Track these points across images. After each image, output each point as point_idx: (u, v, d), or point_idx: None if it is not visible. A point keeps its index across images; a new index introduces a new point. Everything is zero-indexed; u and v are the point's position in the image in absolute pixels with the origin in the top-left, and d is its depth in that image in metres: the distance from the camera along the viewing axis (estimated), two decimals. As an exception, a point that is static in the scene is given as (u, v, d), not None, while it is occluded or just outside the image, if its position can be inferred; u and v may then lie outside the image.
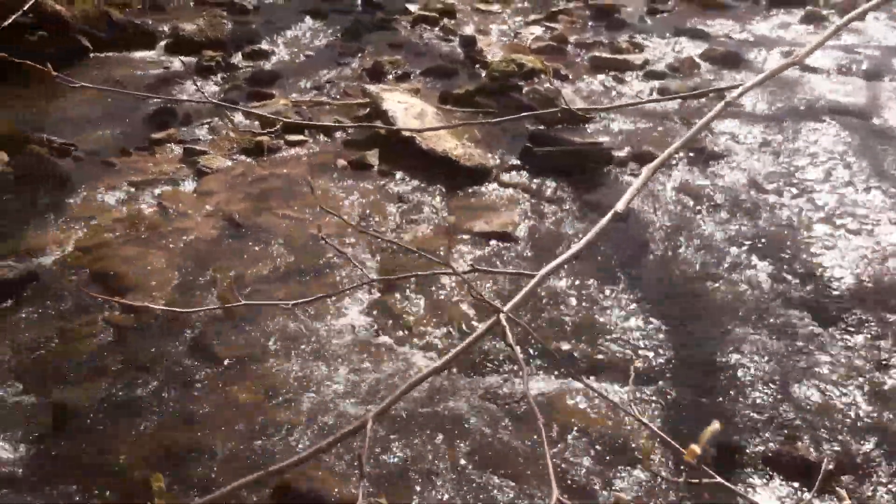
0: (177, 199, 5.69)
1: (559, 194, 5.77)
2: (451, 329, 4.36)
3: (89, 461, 3.55)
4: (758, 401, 3.87)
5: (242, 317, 4.41)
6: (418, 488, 3.38)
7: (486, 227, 5.34)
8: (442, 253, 5.00)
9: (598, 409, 3.78)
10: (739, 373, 4.05)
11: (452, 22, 9.66)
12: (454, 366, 3.94)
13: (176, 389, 3.94)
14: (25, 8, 2.33)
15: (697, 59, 8.26)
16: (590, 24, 9.65)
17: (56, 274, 4.85)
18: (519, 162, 6.20)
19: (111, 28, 8.76)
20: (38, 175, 5.87)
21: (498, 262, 4.98)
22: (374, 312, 4.50)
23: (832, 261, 4.91)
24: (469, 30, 9.39)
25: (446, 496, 3.34)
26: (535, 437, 3.60)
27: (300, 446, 3.56)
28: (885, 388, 3.92)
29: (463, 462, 3.51)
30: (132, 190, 5.81)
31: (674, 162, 6.02)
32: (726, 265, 4.91)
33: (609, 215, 1.59)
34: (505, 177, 6.03)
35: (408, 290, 4.64)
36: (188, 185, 5.92)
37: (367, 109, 6.98)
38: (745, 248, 5.06)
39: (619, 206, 1.59)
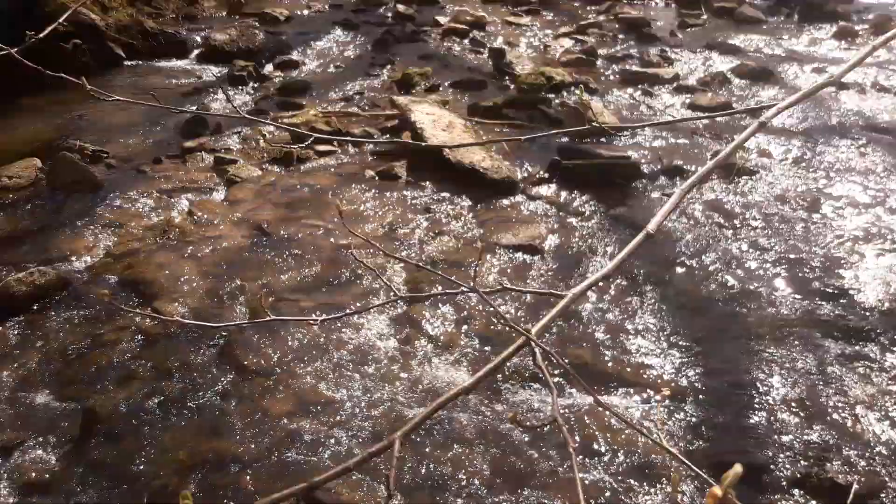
0: (207, 207, 5.74)
1: (587, 208, 5.75)
2: (478, 342, 4.35)
3: (117, 467, 3.58)
4: (786, 421, 3.82)
5: (269, 325, 4.42)
6: None
7: (513, 239, 5.34)
8: (471, 263, 4.99)
9: (625, 430, 3.75)
10: (768, 393, 4.00)
11: (482, 34, 9.69)
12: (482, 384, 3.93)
13: (203, 397, 3.97)
14: (62, 19, 2.37)
15: (728, 74, 8.22)
16: (620, 37, 9.63)
17: (87, 280, 4.91)
18: (547, 174, 6.19)
19: (144, 37, 8.89)
20: (71, 181, 5.95)
21: (524, 275, 4.96)
22: (401, 324, 4.50)
23: (863, 281, 4.84)
24: (498, 42, 9.41)
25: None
26: (561, 452, 3.58)
27: (327, 457, 3.57)
28: (917, 410, 3.85)
29: (489, 481, 3.49)
30: (163, 197, 5.87)
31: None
32: (755, 283, 4.86)
33: (640, 236, 1.57)
34: (532, 189, 6.02)
35: (435, 302, 4.64)
36: (218, 194, 5.98)
37: (396, 121, 7.01)
38: (774, 266, 5.01)
39: (651, 226, 1.58)
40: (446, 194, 5.91)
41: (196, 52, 8.99)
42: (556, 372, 3.94)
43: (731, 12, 10.34)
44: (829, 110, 7.24)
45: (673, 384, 4.05)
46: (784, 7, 10.45)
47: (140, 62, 8.67)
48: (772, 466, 3.56)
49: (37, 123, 7.08)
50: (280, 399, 3.94)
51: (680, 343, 4.36)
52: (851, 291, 4.74)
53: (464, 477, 3.50)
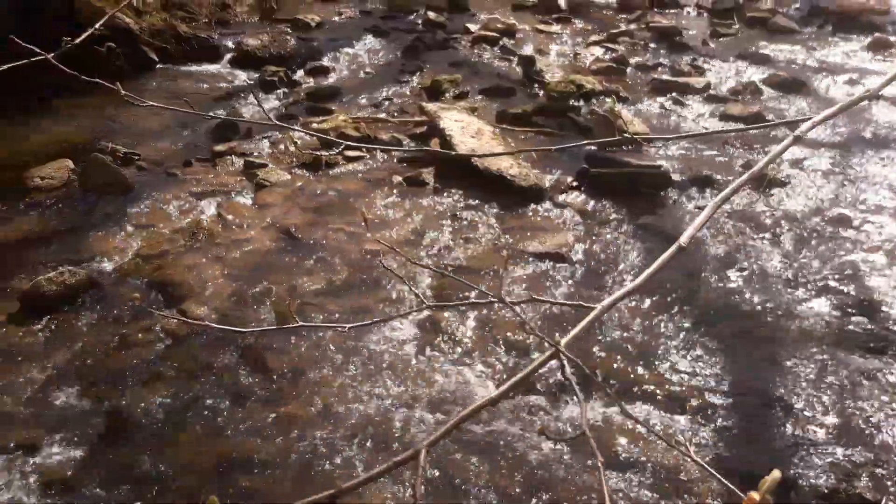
0: (236, 210, 5.78)
1: (615, 216, 5.72)
2: (503, 350, 4.33)
3: (142, 467, 3.60)
4: (815, 435, 3.76)
5: (294, 329, 4.44)
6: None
7: (540, 247, 5.31)
8: (497, 270, 4.98)
9: (653, 441, 3.71)
10: (796, 406, 3.95)
11: (512, 42, 9.67)
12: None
13: (229, 399, 3.98)
14: (99, 24, 2.39)
15: (760, 85, 8.14)
16: (651, 46, 9.58)
17: (116, 280, 4.96)
18: (575, 182, 6.16)
19: (177, 41, 8.98)
20: (103, 183, 6.02)
21: (551, 283, 4.94)
22: (426, 331, 4.49)
23: (894, 295, 4.76)
24: (528, 50, 9.39)
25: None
26: (582, 459, 3.56)
27: (351, 463, 3.57)
28: (951, 429, 3.78)
29: (513, 491, 3.47)
30: (193, 200, 5.92)
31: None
32: (784, 295, 4.80)
33: (672, 249, 1.55)
34: (560, 197, 5.99)
35: (462, 308, 4.63)
36: (247, 198, 6.01)
37: (425, 127, 7.02)
38: (803, 277, 4.95)
39: (683, 239, 1.56)
40: (473, 201, 5.90)
41: (228, 56, 9.06)
42: (583, 383, 3.91)
43: (764, 22, 10.24)
44: (861, 122, 7.14)
45: (700, 396, 4.01)
46: (817, 18, 10.33)
47: (172, 66, 8.75)
48: (800, 481, 3.51)
49: (70, 125, 7.17)
50: (305, 403, 3.95)
51: (707, 355, 4.32)
52: (883, 305, 4.67)
53: (488, 486, 3.48)
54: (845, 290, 4.81)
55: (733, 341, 4.45)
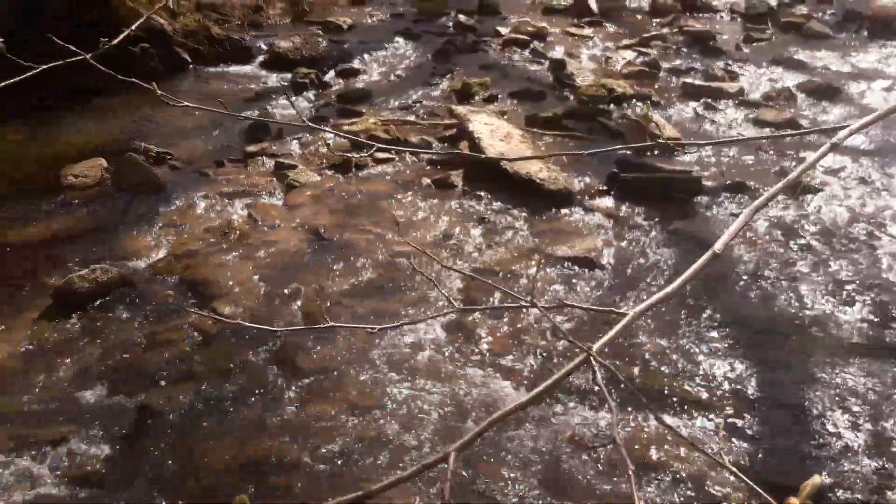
0: (266, 210, 5.81)
1: (645, 222, 5.68)
2: (532, 355, 4.32)
3: (170, 465, 3.63)
4: (847, 446, 3.71)
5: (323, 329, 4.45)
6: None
7: (569, 251, 5.29)
8: (525, 273, 4.96)
9: (685, 449, 3.68)
10: (828, 416, 3.89)
11: (542, 45, 9.65)
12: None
13: (258, 398, 4.00)
14: (135, 26, 2.41)
15: (794, 90, 8.05)
16: (683, 50, 9.51)
17: (148, 279, 5.01)
18: (605, 187, 6.12)
19: (210, 43, 9.07)
20: (136, 182, 6.09)
21: (579, 288, 4.91)
22: (454, 333, 4.49)
23: (932, 305, 4.69)
24: (559, 53, 9.36)
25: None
26: (611, 465, 3.53)
27: (379, 464, 3.57)
28: None
29: (542, 496, 3.46)
30: (224, 200, 5.97)
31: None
32: (817, 304, 4.73)
33: (707, 256, 1.54)
34: (589, 201, 5.96)
35: (491, 312, 4.62)
36: (277, 198, 6.05)
37: (454, 130, 7.02)
38: (837, 286, 4.88)
39: (717, 246, 1.54)
40: (502, 204, 5.89)
41: (260, 58, 9.13)
42: (611, 388, 3.88)
43: (799, 27, 10.14)
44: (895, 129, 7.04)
45: (732, 404, 3.96)
46: (853, 23, 10.20)
47: (205, 67, 8.84)
48: (832, 491, 3.46)
49: (104, 125, 7.26)
50: (334, 403, 3.96)
51: (740, 363, 4.27)
52: (919, 316, 4.59)
53: (517, 492, 3.47)
54: (880, 300, 4.74)
55: (766, 349, 4.39)
